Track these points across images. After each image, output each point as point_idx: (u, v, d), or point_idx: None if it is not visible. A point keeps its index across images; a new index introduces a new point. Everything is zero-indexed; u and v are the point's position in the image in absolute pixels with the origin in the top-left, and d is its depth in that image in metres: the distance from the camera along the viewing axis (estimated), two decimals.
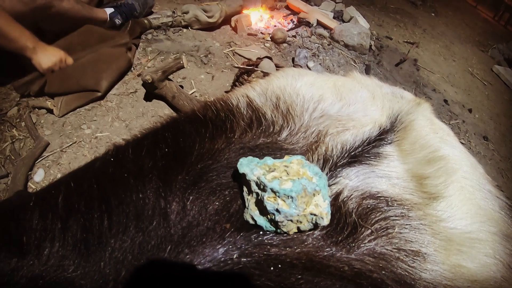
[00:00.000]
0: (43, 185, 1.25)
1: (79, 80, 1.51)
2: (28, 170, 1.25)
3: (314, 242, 0.55)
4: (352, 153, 0.72)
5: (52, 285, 0.48)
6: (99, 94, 1.56)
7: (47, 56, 1.45)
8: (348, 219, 0.59)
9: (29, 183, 1.24)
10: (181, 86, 1.73)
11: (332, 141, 0.73)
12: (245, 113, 0.78)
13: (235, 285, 0.48)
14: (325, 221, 0.54)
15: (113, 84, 1.65)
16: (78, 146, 1.39)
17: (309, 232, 0.56)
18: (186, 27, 2.22)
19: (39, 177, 1.26)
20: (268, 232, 0.54)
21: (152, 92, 1.59)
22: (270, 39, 2.41)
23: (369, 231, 0.59)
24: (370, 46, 2.71)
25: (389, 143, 0.79)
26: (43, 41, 1.45)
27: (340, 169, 0.68)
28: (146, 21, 2.03)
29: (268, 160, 0.59)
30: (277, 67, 1.75)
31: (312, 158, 0.69)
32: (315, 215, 0.53)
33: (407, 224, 0.63)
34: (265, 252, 0.52)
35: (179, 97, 1.56)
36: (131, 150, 0.66)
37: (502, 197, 0.81)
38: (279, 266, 0.51)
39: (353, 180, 0.67)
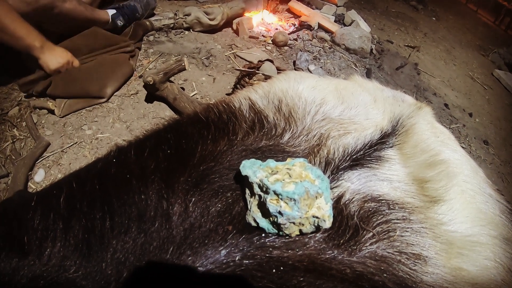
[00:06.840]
0: (43, 185, 1.25)
1: (84, 85, 1.52)
2: (28, 170, 1.25)
3: (316, 245, 0.55)
4: (354, 156, 0.72)
5: (53, 285, 0.47)
6: (103, 100, 1.57)
7: (54, 57, 1.45)
8: (349, 222, 0.59)
9: (29, 183, 1.24)
10: (182, 88, 1.74)
11: (334, 144, 0.74)
12: (247, 115, 0.78)
13: (237, 286, 0.48)
14: (327, 223, 0.55)
15: (117, 90, 1.66)
16: (79, 146, 1.39)
17: (311, 235, 0.56)
18: (187, 29, 2.23)
19: (40, 177, 1.26)
20: (270, 234, 0.54)
21: (153, 93, 1.59)
22: (271, 42, 2.42)
23: (371, 234, 0.59)
24: (371, 49, 2.72)
25: (391, 147, 0.79)
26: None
27: (342, 172, 0.68)
28: (148, 23, 2.04)
29: (271, 162, 0.59)
30: (279, 70, 1.75)
31: (314, 161, 0.69)
32: (317, 217, 0.53)
33: (408, 227, 0.63)
34: (267, 254, 0.52)
35: (180, 99, 1.56)
36: (134, 151, 0.66)
37: (503, 201, 0.81)
38: (281, 268, 0.51)
39: (355, 183, 0.67)
